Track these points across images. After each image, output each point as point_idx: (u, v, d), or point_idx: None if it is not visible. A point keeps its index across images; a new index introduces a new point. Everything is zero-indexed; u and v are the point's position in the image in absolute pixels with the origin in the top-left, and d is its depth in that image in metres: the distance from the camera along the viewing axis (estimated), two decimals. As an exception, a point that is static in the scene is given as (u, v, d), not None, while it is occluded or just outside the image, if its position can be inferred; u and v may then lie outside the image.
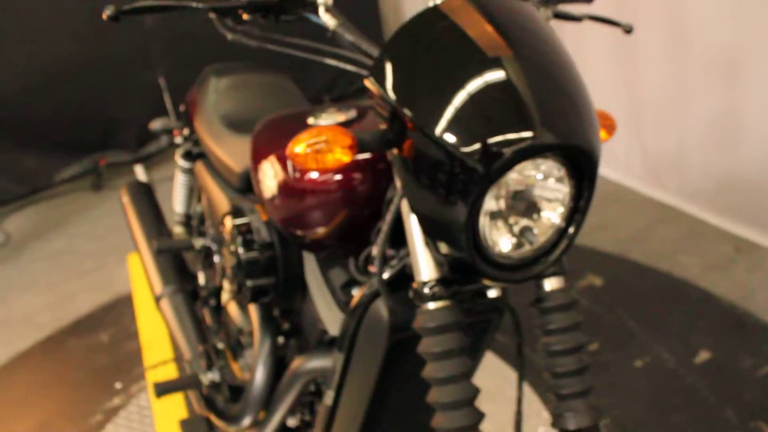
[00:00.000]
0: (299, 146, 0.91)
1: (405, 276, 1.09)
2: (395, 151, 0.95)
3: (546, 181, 0.93)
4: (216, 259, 1.92)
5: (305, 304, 1.46)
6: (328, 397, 1.29)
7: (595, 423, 1.05)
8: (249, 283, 1.38)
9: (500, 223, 0.94)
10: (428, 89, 0.88)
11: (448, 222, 0.89)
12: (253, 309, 1.54)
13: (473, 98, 0.85)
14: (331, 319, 1.30)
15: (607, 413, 2.04)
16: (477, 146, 0.83)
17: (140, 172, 4.04)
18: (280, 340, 1.50)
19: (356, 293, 1.26)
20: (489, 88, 0.85)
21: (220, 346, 1.76)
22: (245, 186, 1.69)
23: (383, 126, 0.95)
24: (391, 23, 5.10)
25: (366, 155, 1.11)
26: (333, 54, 1.02)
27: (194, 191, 2.26)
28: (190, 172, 2.17)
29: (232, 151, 1.75)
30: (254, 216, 1.41)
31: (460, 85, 0.86)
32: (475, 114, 0.85)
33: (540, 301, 1.07)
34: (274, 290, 1.41)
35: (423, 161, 0.89)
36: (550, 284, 1.06)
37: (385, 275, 1.10)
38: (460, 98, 0.85)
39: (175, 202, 2.29)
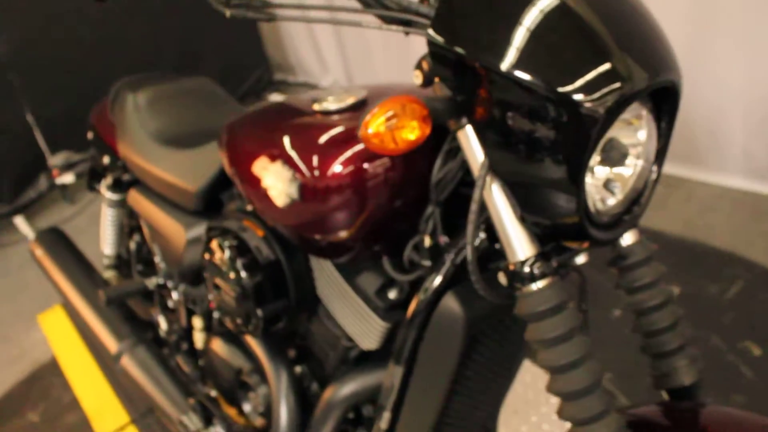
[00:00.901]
0: (374, 126, 0.76)
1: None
2: (464, 120, 0.83)
3: (630, 124, 0.84)
4: (175, 296, 1.69)
5: (315, 322, 1.29)
6: (383, 420, 1.13)
7: (699, 377, 0.98)
8: (260, 312, 1.19)
9: (592, 177, 0.84)
10: (513, 33, 0.75)
11: (554, 183, 0.78)
12: (254, 341, 1.34)
13: (568, 36, 0.74)
14: (367, 331, 1.15)
15: (606, 368, 2.00)
16: (588, 89, 0.72)
17: (22, 226, 3.60)
18: (297, 369, 1.32)
19: (392, 294, 1.12)
20: (582, 24, 0.74)
21: (213, 393, 1.53)
22: (202, 206, 1.49)
23: (446, 92, 0.82)
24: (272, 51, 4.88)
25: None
26: (385, 15, 0.85)
27: (124, 227, 1.99)
28: (120, 204, 1.91)
29: (180, 170, 1.53)
30: (248, 233, 1.22)
31: (552, 24, 0.74)
32: (576, 53, 0.74)
33: (622, 259, 0.98)
34: (286, 314, 1.23)
35: (513, 120, 0.77)
36: (629, 239, 0.97)
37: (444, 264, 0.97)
38: (554, 38, 0.74)
39: (104, 242, 2.02)
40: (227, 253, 1.20)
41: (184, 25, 4.05)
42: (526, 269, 0.84)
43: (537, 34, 0.74)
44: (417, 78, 0.87)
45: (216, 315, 1.56)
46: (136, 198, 1.74)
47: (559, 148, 0.75)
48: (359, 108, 1.04)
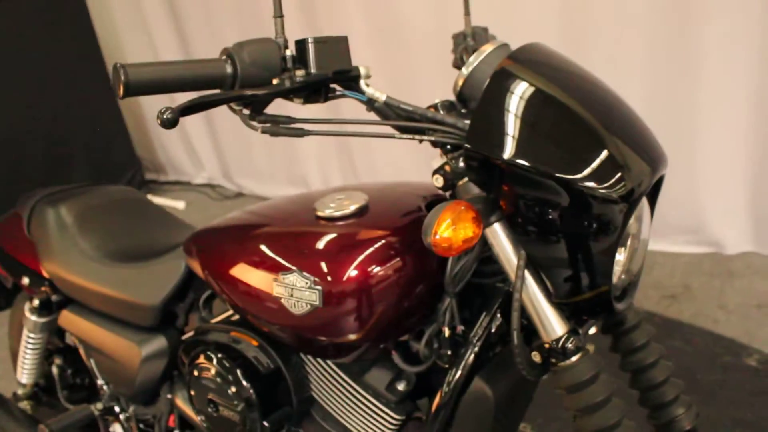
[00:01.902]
0: (441, 232, 0.83)
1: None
2: (493, 218, 0.92)
3: None
4: (123, 417, 1.60)
5: (307, 425, 1.28)
6: None
7: (696, 423, 1.09)
8: (267, 423, 1.17)
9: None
10: (544, 139, 0.85)
11: (587, 265, 0.88)
12: None
13: (588, 138, 0.86)
14: (377, 427, 1.16)
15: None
16: (616, 179, 0.84)
17: None
18: None
19: (401, 387, 1.15)
20: (599, 126, 0.86)
21: None
22: (158, 320, 1.45)
23: (477, 192, 0.91)
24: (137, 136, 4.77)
25: (412, 232, 1.05)
26: (412, 127, 0.93)
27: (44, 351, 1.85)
28: (47, 327, 1.77)
29: (132, 286, 1.48)
30: (243, 344, 1.20)
31: (574, 127, 0.86)
32: (596, 152, 0.85)
33: (618, 325, 1.09)
34: (289, 421, 1.21)
35: (549, 213, 0.86)
36: (621, 306, 1.08)
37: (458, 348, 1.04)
38: (580, 139, 0.85)
39: (22, 372, 1.85)
40: (225, 367, 1.17)
41: (49, 128, 3.89)
42: (562, 345, 0.92)
43: (565, 139, 0.85)
44: (437, 181, 0.95)
45: None
46: (70, 319, 1.63)
47: (592, 236, 0.86)
48: (363, 214, 1.09)
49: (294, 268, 1.04)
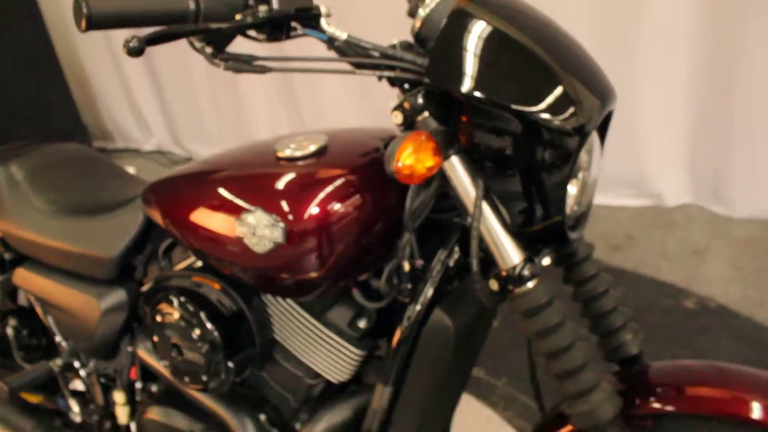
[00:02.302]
0: (403, 160, 0.86)
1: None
2: (451, 151, 0.96)
3: None
4: (83, 373, 1.60)
5: (270, 367, 1.31)
6: None
7: (641, 349, 1.17)
8: (231, 364, 1.19)
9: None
10: (501, 73, 0.89)
11: (541, 194, 0.93)
12: (210, 397, 1.32)
13: (542, 72, 0.90)
14: (339, 364, 1.20)
15: (501, 374, 2.18)
16: (570, 113, 0.88)
17: None
18: (262, 417, 1.32)
19: (362, 324, 1.19)
20: (552, 62, 0.91)
21: None
22: (117, 273, 1.45)
23: (436, 127, 0.95)
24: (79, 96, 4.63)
25: (371, 171, 1.08)
26: (372, 64, 0.95)
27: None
28: (2, 287, 1.75)
29: (89, 240, 1.48)
30: (205, 288, 1.23)
31: (530, 64, 0.90)
32: (551, 86, 0.90)
33: (570, 257, 1.15)
34: (252, 362, 1.24)
35: (506, 145, 0.91)
36: (574, 235, 1.14)
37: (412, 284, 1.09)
38: (533, 75, 0.90)
39: (-25, 331, 1.83)
40: (190, 311, 1.19)
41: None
42: (524, 272, 0.98)
43: (521, 74, 0.89)
44: (397, 118, 0.98)
45: (139, 386, 1.51)
46: (25, 276, 1.62)
47: (546, 168, 0.91)
48: (322, 154, 1.12)
49: (256, 207, 1.06)
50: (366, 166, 1.10)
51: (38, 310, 1.65)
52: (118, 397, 1.54)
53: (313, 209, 1.04)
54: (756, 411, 1.02)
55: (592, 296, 1.15)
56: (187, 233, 1.18)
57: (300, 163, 1.10)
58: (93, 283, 1.49)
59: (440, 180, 1.04)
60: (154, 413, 1.42)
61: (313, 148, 1.12)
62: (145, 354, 1.45)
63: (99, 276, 1.47)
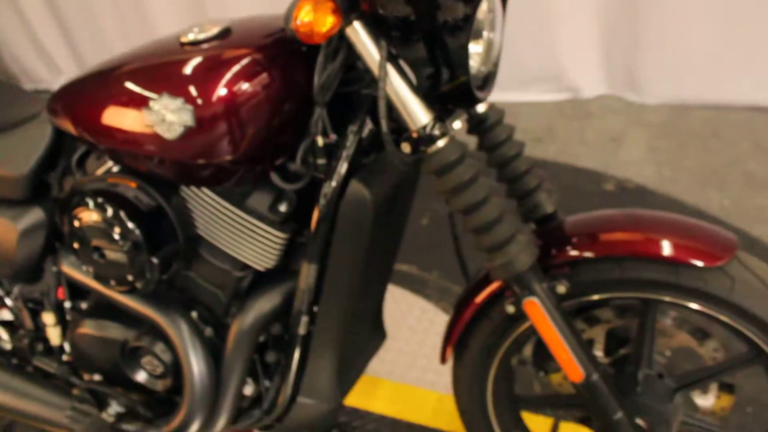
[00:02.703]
0: (302, 17, 0.85)
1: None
2: (354, 17, 0.95)
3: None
4: (9, 301, 1.57)
5: (196, 265, 1.31)
6: (302, 325, 1.22)
7: (556, 208, 1.22)
8: (155, 259, 1.18)
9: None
10: None
11: (445, 54, 0.94)
12: (140, 301, 1.31)
13: None
14: (265, 250, 1.21)
15: (432, 267, 2.24)
16: None
17: None
18: (194, 315, 1.32)
19: (283, 208, 1.20)
20: None
21: (96, 377, 1.46)
22: (30, 192, 1.41)
23: None
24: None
25: (277, 50, 1.07)
26: None
27: None
28: None
29: None
30: (122, 187, 1.20)
31: None
32: None
33: (481, 122, 1.17)
34: (177, 257, 1.24)
35: (407, 8, 0.92)
36: (483, 105, 1.17)
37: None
38: None
39: None
40: (108, 211, 1.17)
41: None
42: (429, 132, 0.99)
43: None
44: None
45: (68, 305, 1.48)
46: None
47: (447, 28, 0.92)
48: (226, 36, 1.10)
49: (161, 93, 1.04)
50: (271, 46, 1.08)
51: None
52: (48, 318, 1.51)
53: (220, 89, 1.02)
54: (666, 248, 1.09)
55: (505, 160, 1.18)
56: (99, 135, 1.15)
57: (204, 45, 1.08)
58: (7, 205, 1.44)
59: (346, 51, 1.03)
60: (86, 327, 1.40)
61: (216, 30, 1.09)
62: (71, 270, 1.42)
63: (12, 197, 1.42)
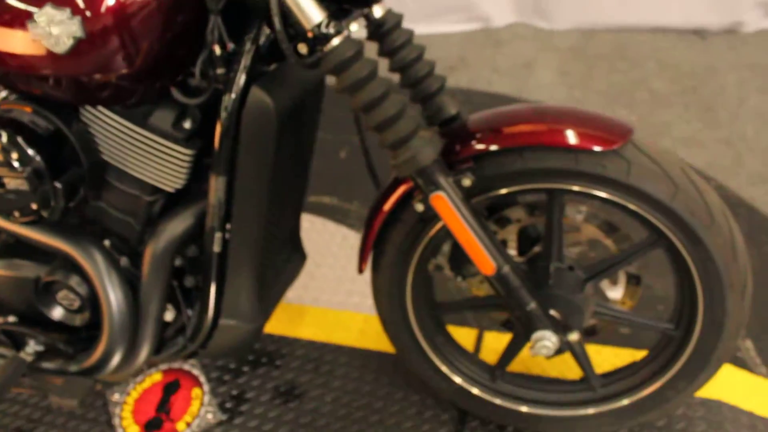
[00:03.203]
0: None
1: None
2: None
3: None
4: None
5: (105, 193, 1.26)
6: (216, 243, 1.20)
7: (459, 110, 1.22)
8: (59, 184, 1.14)
9: None
10: None
11: None
12: (49, 235, 1.25)
13: None
14: (172, 170, 1.18)
15: (353, 198, 2.24)
16: None
17: None
18: (107, 243, 1.28)
19: (187, 125, 1.16)
20: None
21: (11, 319, 1.40)
22: None
23: None
24: None
25: None
26: None
27: None
28: None
29: None
30: (15, 113, 1.14)
31: None
32: None
33: (379, 27, 1.16)
34: (82, 182, 1.19)
35: None
36: (380, 10, 1.15)
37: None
38: None
39: None
40: (2, 137, 1.11)
41: None
42: (329, 29, 0.98)
43: None
44: None
45: None
46: None
47: None
48: None
49: (44, 5, 0.99)
50: None
51: None
52: None
53: None
54: (564, 136, 1.11)
55: (406, 63, 1.17)
56: None
57: None
58: None
59: None
60: None
61: None
62: None
63: None
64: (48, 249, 1.28)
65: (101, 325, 1.27)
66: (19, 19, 1.02)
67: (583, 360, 1.35)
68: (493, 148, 1.13)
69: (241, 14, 1.09)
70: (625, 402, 1.34)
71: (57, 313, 1.32)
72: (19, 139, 1.11)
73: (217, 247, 1.20)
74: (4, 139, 1.11)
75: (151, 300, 1.26)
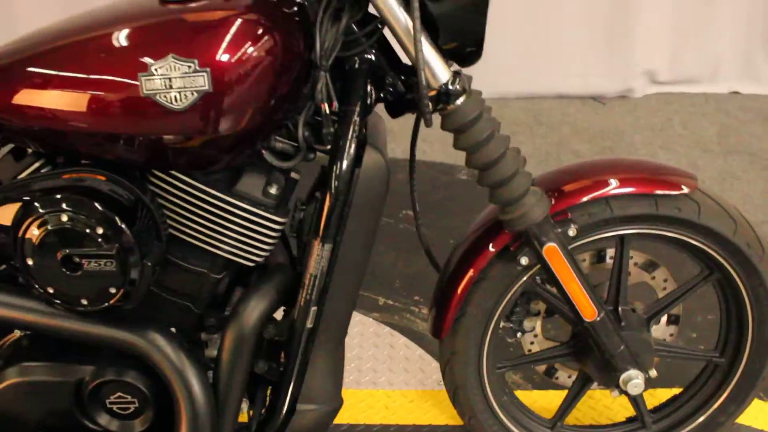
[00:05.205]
0: None
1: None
2: None
3: None
4: None
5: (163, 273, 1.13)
6: (310, 318, 1.11)
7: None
8: (149, 261, 1.02)
9: None
10: None
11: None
12: (97, 326, 1.08)
13: None
14: (258, 241, 1.09)
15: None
16: None
17: None
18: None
19: (274, 190, 1.10)
20: None
21: None
22: None
23: None
24: None
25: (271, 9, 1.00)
26: None
27: None
28: None
29: None
30: (89, 181, 1.01)
31: None
32: None
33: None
34: (164, 259, 1.07)
35: None
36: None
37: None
38: None
39: None
40: (79, 206, 0.97)
41: None
42: (456, 86, 0.99)
43: None
44: None
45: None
46: None
47: None
48: None
49: (165, 55, 0.91)
50: (261, 5, 0.99)
51: None
52: None
53: (234, 48, 0.93)
54: (653, 184, 1.19)
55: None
56: (56, 121, 0.96)
57: (193, 5, 0.96)
58: None
59: (349, 11, 0.99)
60: (15, 375, 1.12)
61: None
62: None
63: None
64: (95, 341, 1.11)
65: (177, 427, 1.11)
66: (129, 70, 0.93)
67: (639, 398, 1.39)
68: (585, 199, 1.17)
69: (343, 73, 1.06)
70: (682, 433, 1.40)
71: (106, 421, 1.14)
72: (102, 208, 0.98)
73: (310, 323, 1.11)
74: (86, 212, 0.97)
75: (230, 391, 1.13)
